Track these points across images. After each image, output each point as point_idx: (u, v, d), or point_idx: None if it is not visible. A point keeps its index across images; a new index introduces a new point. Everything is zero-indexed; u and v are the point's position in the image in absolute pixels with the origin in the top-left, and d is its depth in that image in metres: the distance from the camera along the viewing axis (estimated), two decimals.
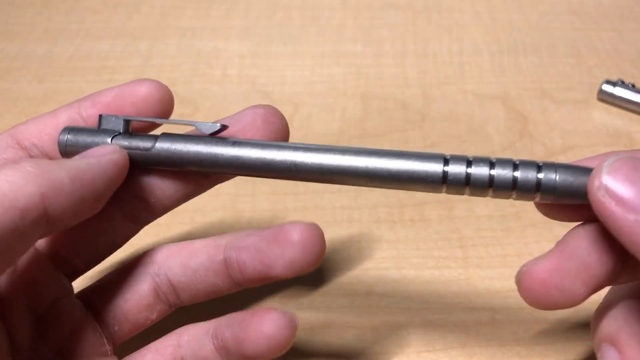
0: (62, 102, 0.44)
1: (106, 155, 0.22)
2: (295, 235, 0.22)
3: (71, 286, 0.25)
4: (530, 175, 0.20)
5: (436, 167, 0.21)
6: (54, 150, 0.24)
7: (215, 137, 0.23)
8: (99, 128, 0.24)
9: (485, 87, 0.45)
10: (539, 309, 0.21)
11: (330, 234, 0.35)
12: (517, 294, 0.32)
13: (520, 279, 0.21)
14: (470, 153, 0.40)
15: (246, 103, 0.44)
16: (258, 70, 0.47)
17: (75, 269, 0.25)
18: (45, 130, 0.24)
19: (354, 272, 0.33)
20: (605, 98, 0.43)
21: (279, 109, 0.26)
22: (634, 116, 0.43)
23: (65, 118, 0.25)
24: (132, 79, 0.46)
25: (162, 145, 0.23)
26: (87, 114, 0.25)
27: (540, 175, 0.20)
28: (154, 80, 0.25)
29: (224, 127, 0.23)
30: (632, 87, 0.43)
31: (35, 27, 0.52)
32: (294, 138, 0.41)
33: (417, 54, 0.49)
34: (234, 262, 0.23)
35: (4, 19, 0.53)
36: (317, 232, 0.23)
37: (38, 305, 0.23)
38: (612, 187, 0.19)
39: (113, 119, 0.24)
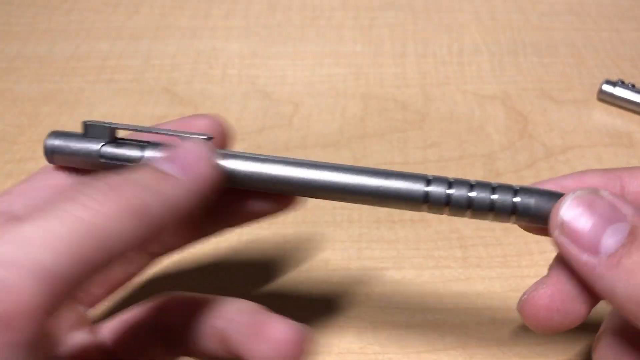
0: (62, 102, 0.45)
1: (203, 173, 0.21)
2: (275, 334, 0.22)
3: (90, 319, 0.25)
4: (507, 199, 0.21)
5: (419, 187, 0.22)
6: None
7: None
8: (86, 135, 0.23)
9: (485, 87, 0.45)
10: (544, 333, 0.21)
11: (331, 234, 0.35)
12: (517, 295, 0.32)
13: (522, 307, 0.21)
14: (471, 153, 0.40)
15: (246, 103, 0.44)
16: (258, 70, 0.47)
17: (93, 299, 0.25)
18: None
19: (353, 272, 0.33)
20: (605, 98, 0.43)
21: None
22: (634, 116, 0.43)
23: None
24: (132, 79, 0.46)
25: (150, 155, 0.23)
26: None
27: (517, 199, 0.21)
28: (212, 116, 0.24)
29: (209, 139, 0.23)
30: (632, 87, 0.43)
31: (35, 27, 0.52)
32: (294, 138, 0.41)
33: (417, 54, 0.49)
34: (226, 334, 0.23)
35: (4, 19, 0.53)
36: (299, 336, 0.22)
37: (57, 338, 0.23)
38: (567, 227, 0.19)
39: (98, 126, 0.23)
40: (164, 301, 0.24)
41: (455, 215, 0.22)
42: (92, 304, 0.25)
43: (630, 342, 0.21)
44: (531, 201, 0.21)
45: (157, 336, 0.24)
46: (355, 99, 0.44)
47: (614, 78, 0.44)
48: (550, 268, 0.22)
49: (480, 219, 0.22)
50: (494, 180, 0.38)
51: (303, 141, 0.41)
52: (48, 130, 0.42)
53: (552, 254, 0.23)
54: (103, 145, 0.23)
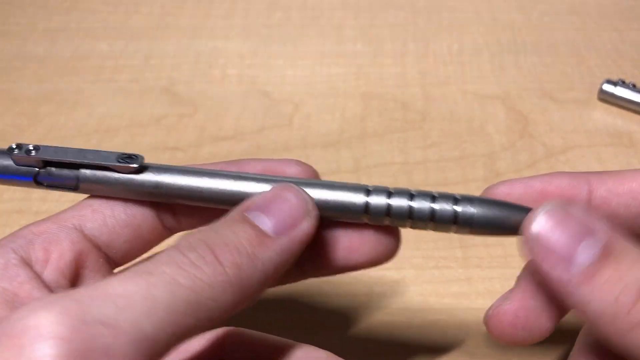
0: (62, 102, 0.45)
1: (299, 230, 0.20)
2: None
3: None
4: (447, 207, 0.21)
5: (359, 198, 0.21)
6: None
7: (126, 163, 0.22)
8: (16, 162, 0.22)
9: (486, 87, 0.45)
10: (509, 345, 0.22)
11: None
12: None
13: (488, 322, 0.21)
14: (471, 153, 0.40)
15: (246, 103, 0.44)
16: (258, 70, 0.47)
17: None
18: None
19: (353, 272, 0.33)
20: (606, 98, 0.43)
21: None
22: (635, 116, 0.43)
23: None
24: (131, 79, 0.46)
25: (85, 185, 0.22)
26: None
27: (457, 208, 0.21)
28: (303, 163, 0.23)
29: (141, 162, 0.22)
30: (633, 87, 0.43)
31: (34, 27, 0.52)
32: (294, 138, 0.41)
33: (417, 53, 0.48)
34: None
35: (3, 18, 0.53)
36: None
37: None
38: (540, 243, 0.19)
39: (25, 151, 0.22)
40: (226, 337, 0.23)
41: (396, 225, 0.22)
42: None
43: None
44: (474, 209, 0.21)
45: None
46: (355, 99, 0.44)
47: (615, 78, 0.44)
48: (517, 280, 0.22)
49: (420, 229, 0.21)
50: (494, 180, 0.38)
51: (303, 141, 0.41)
52: (48, 130, 0.42)
53: None
54: (37, 175, 0.22)
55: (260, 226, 0.19)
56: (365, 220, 0.22)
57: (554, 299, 0.21)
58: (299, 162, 0.23)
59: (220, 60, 0.48)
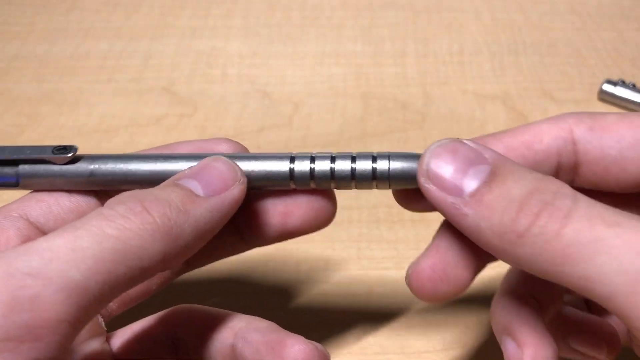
0: (62, 101, 0.45)
1: (229, 193, 0.21)
2: (292, 354, 0.22)
3: (104, 329, 0.24)
4: (366, 166, 0.22)
5: (284, 166, 0.22)
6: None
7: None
8: None
9: (486, 87, 0.45)
10: (434, 302, 0.22)
11: (330, 234, 0.35)
12: None
13: (409, 281, 0.22)
14: None
15: (246, 103, 0.44)
16: (258, 70, 0.47)
17: (109, 311, 0.24)
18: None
19: (354, 272, 0.33)
20: (606, 98, 0.43)
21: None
22: None
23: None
24: (131, 79, 0.46)
25: (25, 181, 0.23)
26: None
27: (375, 165, 0.22)
28: (234, 141, 0.24)
29: (75, 151, 0.22)
30: (633, 87, 0.43)
31: (34, 27, 0.52)
32: (294, 138, 0.41)
33: (417, 53, 0.48)
34: (238, 351, 0.23)
35: (3, 18, 0.53)
36: (317, 356, 0.22)
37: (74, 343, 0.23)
38: (432, 173, 0.20)
39: None
40: (177, 313, 0.24)
41: (321, 187, 0.23)
42: (108, 316, 0.25)
43: (520, 300, 0.22)
44: (390, 164, 0.22)
45: (167, 348, 0.24)
46: (355, 99, 0.44)
47: (615, 78, 0.44)
48: (433, 238, 0.22)
49: (344, 188, 0.23)
50: None
51: (303, 141, 0.41)
52: (48, 130, 0.42)
53: None
54: None
55: (192, 189, 0.20)
56: (293, 185, 0.23)
57: (468, 248, 0.21)
58: (228, 140, 0.24)
59: (220, 60, 0.48)
